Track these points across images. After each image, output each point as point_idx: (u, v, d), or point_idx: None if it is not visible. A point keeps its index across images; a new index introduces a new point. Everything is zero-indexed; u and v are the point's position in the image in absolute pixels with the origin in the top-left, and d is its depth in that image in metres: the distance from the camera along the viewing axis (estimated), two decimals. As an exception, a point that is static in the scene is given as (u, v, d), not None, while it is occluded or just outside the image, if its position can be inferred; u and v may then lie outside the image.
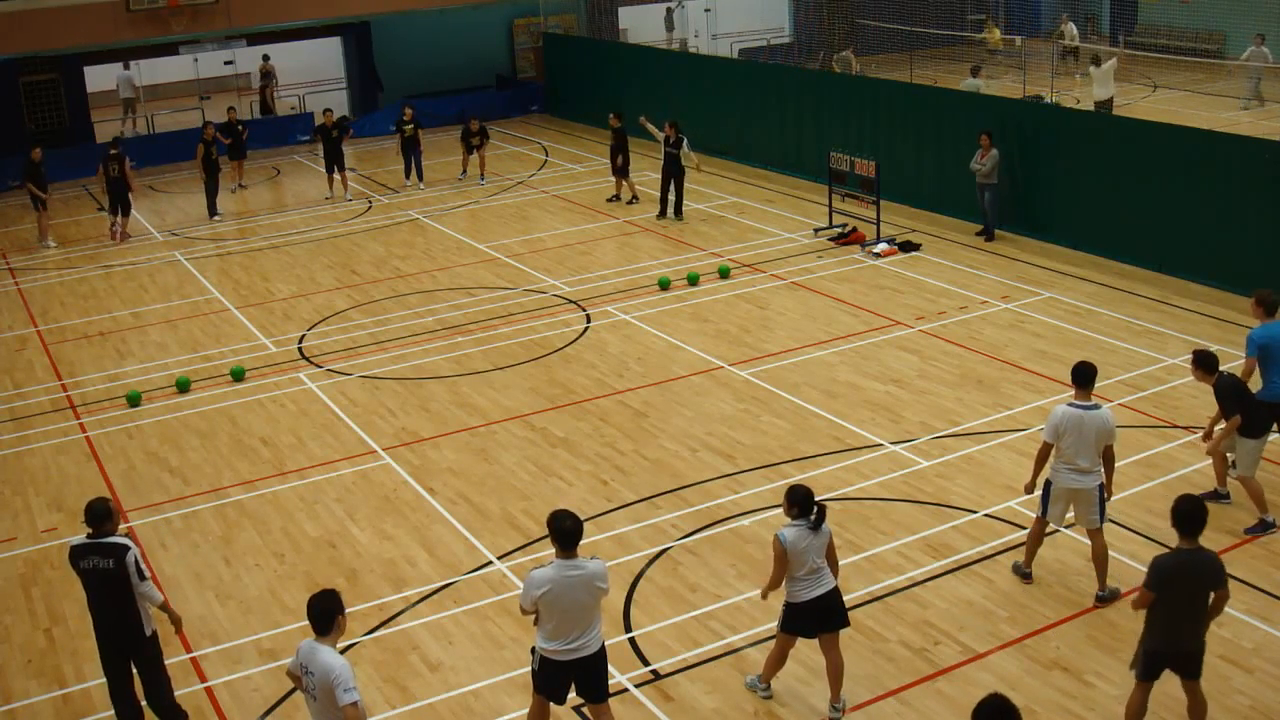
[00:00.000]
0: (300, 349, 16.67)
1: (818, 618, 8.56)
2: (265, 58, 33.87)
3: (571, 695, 8.16)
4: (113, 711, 8.97)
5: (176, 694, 9.14)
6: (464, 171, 26.17)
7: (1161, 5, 36.28)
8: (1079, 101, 26.30)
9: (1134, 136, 18.08)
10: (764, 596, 8.84)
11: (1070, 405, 9.70)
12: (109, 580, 8.51)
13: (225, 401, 15.07)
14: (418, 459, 13.25)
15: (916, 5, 36.40)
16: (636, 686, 9.23)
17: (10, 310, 19.27)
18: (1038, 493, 10.12)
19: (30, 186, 22.64)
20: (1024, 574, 10.29)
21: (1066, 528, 10.92)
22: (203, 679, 9.65)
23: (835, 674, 8.70)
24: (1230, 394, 10.80)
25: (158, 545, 11.75)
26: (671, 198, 21.63)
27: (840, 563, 10.54)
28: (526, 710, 8.39)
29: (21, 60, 28.03)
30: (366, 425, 14.12)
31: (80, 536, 8.75)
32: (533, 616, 7.94)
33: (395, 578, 10.94)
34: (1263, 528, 10.86)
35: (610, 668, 8.91)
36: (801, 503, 8.41)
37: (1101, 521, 9.83)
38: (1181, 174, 17.22)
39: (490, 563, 11.09)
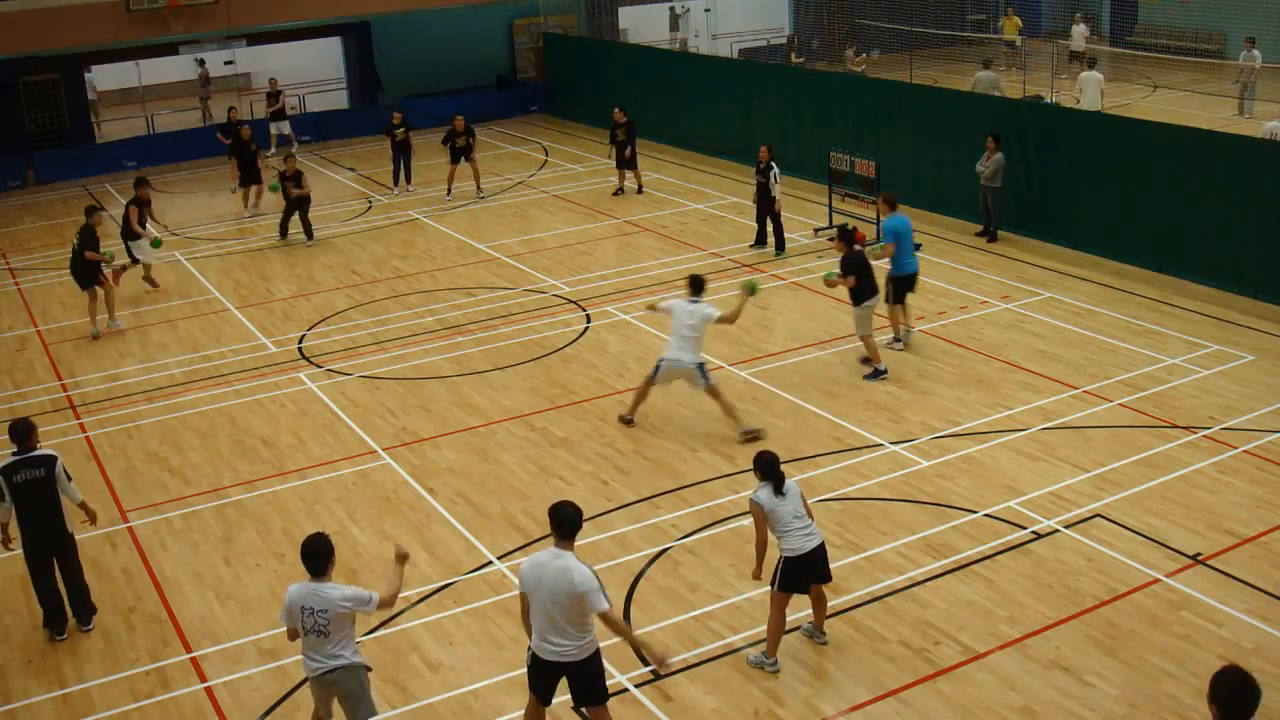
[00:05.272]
0: (300, 349, 16.67)
1: (813, 571, 9.12)
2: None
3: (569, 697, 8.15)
4: (44, 617, 10.27)
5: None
6: (449, 191, 24.05)
7: (1161, 5, 36.30)
8: (1079, 101, 26.29)
9: (1134, 136, 18.07)
10: (756, 575, 9.21)
11: (679, 302, 13.15)
12: (41, 488, 9.81)
13: (225, 401, 15.06)
14: (418, 459, 13.25)
15: (916, 5, 36.41)
16: (636, 686, 9.22)
17: (10, 310, 19.26)
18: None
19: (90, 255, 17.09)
20: (627, 420, 13.44)
21: (1066, 528, 10.94)
22: (203, 679, 9.64)
23: (820, 603, 9.42)
24: (852, 266, 14.18)
25: (158, 545, 11.74)
26: (770, 228, 19.54)
27: (840, 562, 10.61)
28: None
29: (21, 60, 28.03)
30: (366, 425, 14.12)
31: (9, 457, 9.90)
32: None
33: (395, 578, 10.93)
34: (875, 375, 14.43)
35: (610, 668, 8.92)
36: (764, 468, 9.04)
37: (706, 385, 13.04)
38: (1181, 174, 17.22)
39: (490, 563, 11.09)
